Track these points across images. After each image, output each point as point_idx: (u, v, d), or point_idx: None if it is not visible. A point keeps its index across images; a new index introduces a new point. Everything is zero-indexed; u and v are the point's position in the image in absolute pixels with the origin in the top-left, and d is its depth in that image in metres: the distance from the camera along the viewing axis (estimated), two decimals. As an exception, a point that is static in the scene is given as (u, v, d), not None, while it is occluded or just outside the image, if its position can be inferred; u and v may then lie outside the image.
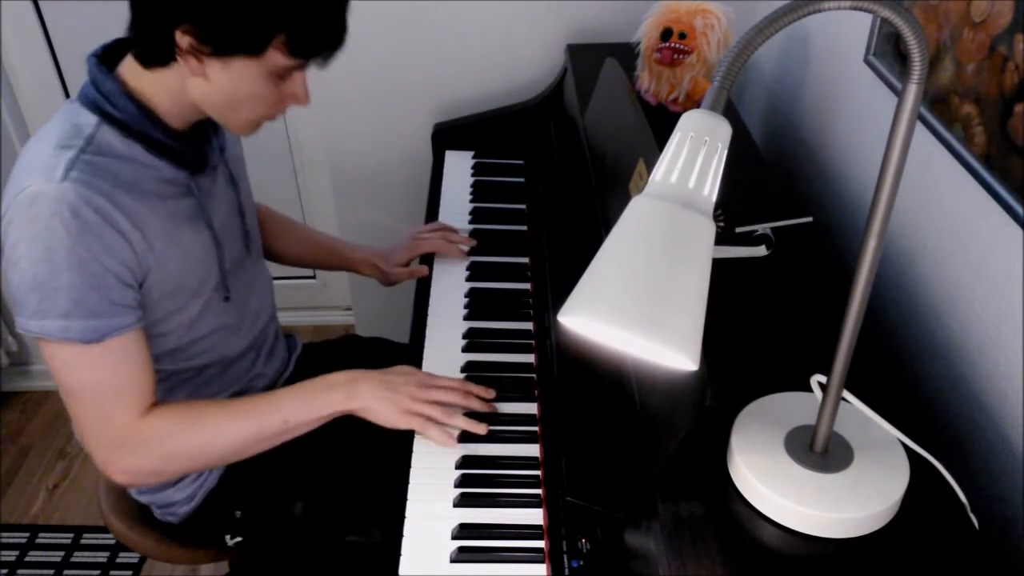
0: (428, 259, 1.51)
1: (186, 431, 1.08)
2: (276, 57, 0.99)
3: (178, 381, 1.19)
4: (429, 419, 1.13)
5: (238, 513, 1.27)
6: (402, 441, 1.15)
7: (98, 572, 1.91)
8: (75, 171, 0.97)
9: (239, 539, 1.28)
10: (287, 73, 1.03)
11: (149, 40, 1.00)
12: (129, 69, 1.04)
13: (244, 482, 1.26)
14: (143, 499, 1.28)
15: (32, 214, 0.95)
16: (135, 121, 1.03)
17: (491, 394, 1.20)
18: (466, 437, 1.16)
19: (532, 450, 1.15)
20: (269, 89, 1.03)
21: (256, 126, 1.09)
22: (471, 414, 1.17)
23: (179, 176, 1.09)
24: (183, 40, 0.96)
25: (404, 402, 1.12)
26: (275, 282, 1.43)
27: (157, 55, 1.00)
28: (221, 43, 0.96)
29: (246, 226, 1.25)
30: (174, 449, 1.08)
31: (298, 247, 1.52)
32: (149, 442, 1.07)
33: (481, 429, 1.15)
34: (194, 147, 1.11)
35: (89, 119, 1.02)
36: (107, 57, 1.06)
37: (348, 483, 1.28)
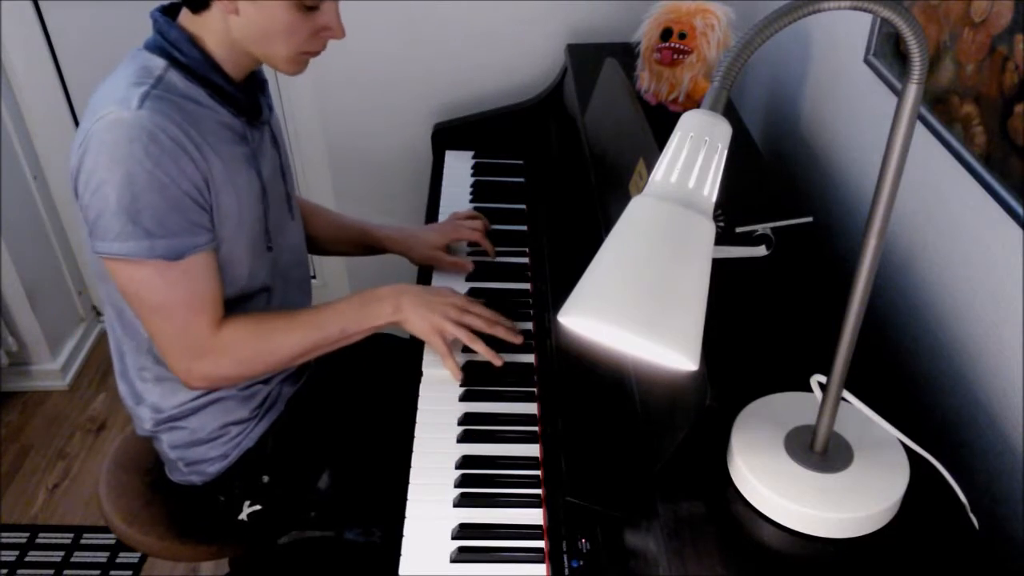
0: (427, 272, 1.50)
1: (258, 340, 1.18)
2: None
3: None
4: (450, 345, 1.23)
5: (265, 478, 1.29)
6: (402, 441, 1.16)
7: (98, 572, 1.91)
8: (149, 100, 1.03)
9: (257, 508, 1.29)
10: (315, 3, 1.07)
11: None
12: (186, 19, 1.11)
13: (279, 446, 1.29)
14: (174, 454, 1.28)
15: (112, 139, 1.01)
16: (200, 66, 1.10)
17: (519, 339, 1.29)
18: (466, 437, 1.16)
19: (532, 450, 1.15)
20: (300, 20, 1.07)
21: (301, 63, 1.14)
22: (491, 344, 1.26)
23: (236, 123, 1.15)
24: None
25: (437, 320, 1.22)
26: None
27: None
28: None
29: (288, 188, 1.31)
30: (248, 356, 1.18)
31: (327, 230, 1.54)
32: (226, 350, 1.15)
33: (497, 360, 1.25)
34: (249, 97, 1.17)
35: (158, 62, 1.09)
36: (167, 13, 1.12)
37: (359, 472, 1.32)
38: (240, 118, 1.15)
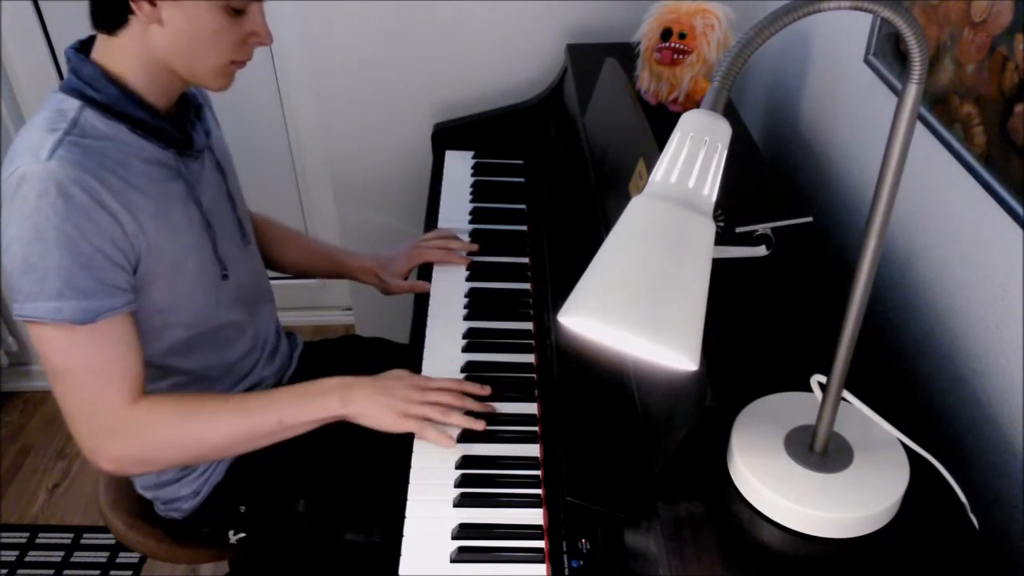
0: (428, 264, 1.51)
1: (178, 422, 1.08)
2: None
3: (185, 381, 1.19)
4: (426, 420, 1.13)
5: (242, 508, 1.27)
6: (402, 441, 1.15)
7: (98, 572, 1.91)
8: (61, 150, 0.97)
9: (242, 535, 1.28)
10: (242, 5, 1.03)
11: None
12: (101, 49, 1.06)
13: (249, 477, 1.26)
14: (147, 495, 1.28)
15: (20, 195, 0.96)
16: (117, 102, 1.04)
17: (487, 391, 1.20)
18: (466, 437, 1.16)
19: (532, 450, 1.15)
20: (227, 26, 1.03)
21: (227, 75, 1.09)
22: (469, 412, 1.17)
23: (167, 157, 1.10)
24: None
25: (400, 405, 1.13)
26: (275, 282, 1.43)
27: (113, 12, 1.02)
28: None
29: (237, 214, 1.26)
30: (164, 439, 1.08)
31: (297, 256, 1.52)
32: (138, 430, 1.06)
33: (479, 425, 1.15)
34: (178, 126, 1.12)
35: (72, 104, 1.03)
36: (83, 49, 1.08)
37: (349, 482, 1.29)
38: (170, 150, 1.10)
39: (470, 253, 1.53)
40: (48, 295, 0.97)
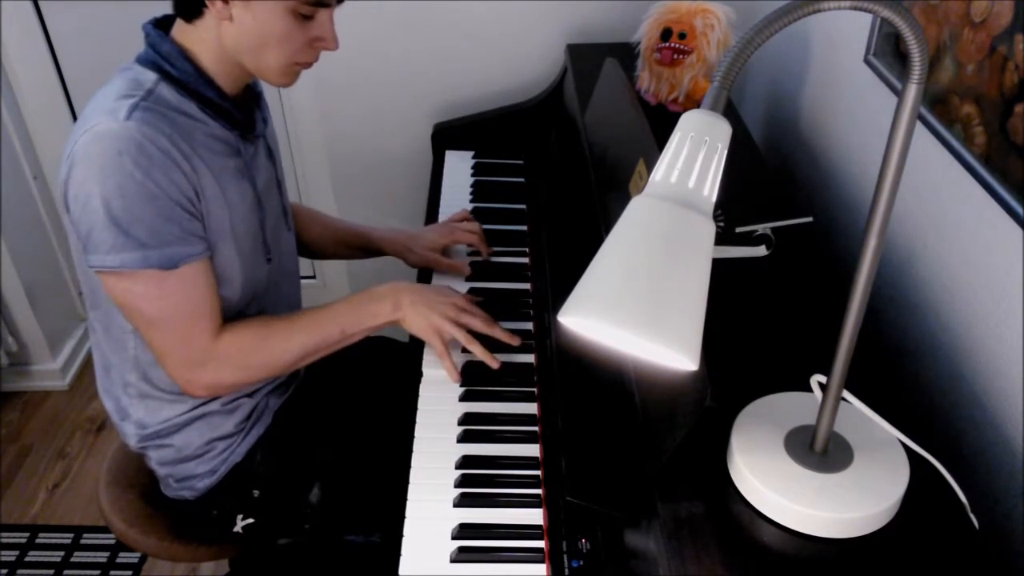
0: (426, 274, 1.50)
1: (258, 346, 1.17)
2: None
3: None
4: (447, 345, 1.23)
5: (256, 492, 1.28)
6: (402, 441, 1.16)
7: (98, 572, 1.91)
8: (138, 112, 1.02)
9: (250, 521, 1.29)
10: (310, 11, 1.06)
11: None
12: (178, 31, 1.10)
13: (267, 461, 1.28)
14: (162, 471, 1.28)
15: (99, 151, 1.00)
16: (192, 80, 1.08)
17: (516, 341, 1.28)
18: (466, 437, 1.16)
19: (532, 450, 1.15)
20: (294, 29, 1.06)
21: (291, 74, 1.12)
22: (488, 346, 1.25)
23: (229, 136, 1.14)
24: None
25: (436, 319, 1.22)
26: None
27: (190, 4, 1.06)
28: None
29: (284, 202, 1.31)
30: (250, 362, 1.17)
31: (323, 235, 1.53)
32: (227, 358, 1.15)
33: (494, 363, 1.25)
34: (243, 111, 1.16)
35: (149, 76, 1.08)
36: (159, 27, 1.11)
37: (361, 476, 1.30)
38: (234, 132, 1.14)
39: (470, 252, 1.53)
40: (134, 246, 1.02)
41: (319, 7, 1.06)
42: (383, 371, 1.45)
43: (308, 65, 1.13)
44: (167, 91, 1.07)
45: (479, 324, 1.25)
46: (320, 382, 1.39)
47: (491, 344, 1.26)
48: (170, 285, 1.06)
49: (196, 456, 1.25)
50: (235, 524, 1.29)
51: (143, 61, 1.09)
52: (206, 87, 1.09)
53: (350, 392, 1.40)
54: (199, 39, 1.09)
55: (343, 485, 1.30)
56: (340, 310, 1.22)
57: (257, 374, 1.21)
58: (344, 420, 1.34)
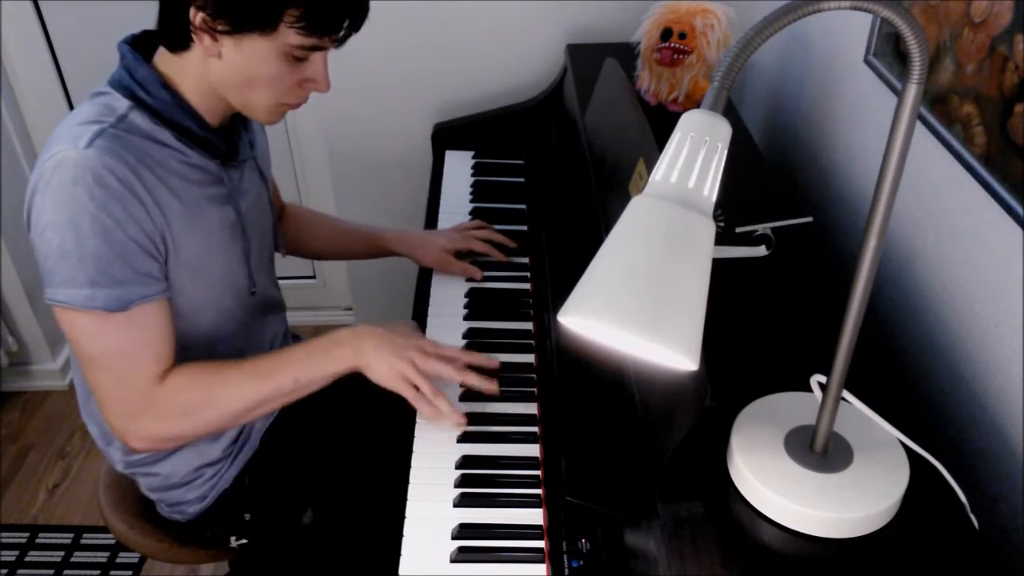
0: (427, 273, 1.50)
1: (203, 395, 1.09)
2: (289, 35, 0.98)
3: None
4: (419, 390, 1.13)
5: (247, 516, 1.27)
6: (402, 441, 1.15)
7: (98, 572, 1.91)
8: (101, 139, 0.98)
9: (244, 541, 1.28)
10: (304, 54, 1.02)
11: (168, 19, 1.01)
12: (161, 59, 1.05)
13: (257, 487, 1.26)
14: (153, 496, 1.27)
15: (58, 180, 0.96)
16: (167, 109, 1.04)
17: (494, 364, 1.20)
18: (466, 437, 1.16)
19: (532, 450, 1.15)
20: (284, 70, 1.02)
21: (278, 113, 1.09)
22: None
23: (210, 165, 1.10)
24: (196, 17, 0.97)
25: (402, 367, 1.12)
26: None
27: (176, 36, 1.01)
28: (232, 19, 0.97)
29: (274, 221, 1.27)
30: (192, 412, 1.09)
31: (330, 237, 1.51)
32: (169, 407, 1.07)
33: (460, 419, 1.15)
34: (225, 139, 1.12)
35: (121, 102, 1.03)
36: (138, 46, 1.06)
37: (356, 496, 1.29)
38: (214, 160, 1.10)
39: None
40: (82, 282, 0.98)
41: (314, 51, 1.03)
42: (368, 387, 1.43)
43: (296, 106, 1.09)
44: (140, 119, 1.03)
45: (450, 371, 1.14)
46: (306, 399, 1.29)
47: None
48: (114, 326, 1.01)
49: (184, 483, 1.23)
50: (229, 543, 1.29)
51: (116, 86, 1.04)
52: (185, 117, 1.05)
53: (338, 408, 1.32)
54: (182, 69, 1.04)
55: (337, 505, 1.28)
56: (297, 356, 1.12)
57: (203, 427, 1.12)
58: (334, 438, 1.30)
